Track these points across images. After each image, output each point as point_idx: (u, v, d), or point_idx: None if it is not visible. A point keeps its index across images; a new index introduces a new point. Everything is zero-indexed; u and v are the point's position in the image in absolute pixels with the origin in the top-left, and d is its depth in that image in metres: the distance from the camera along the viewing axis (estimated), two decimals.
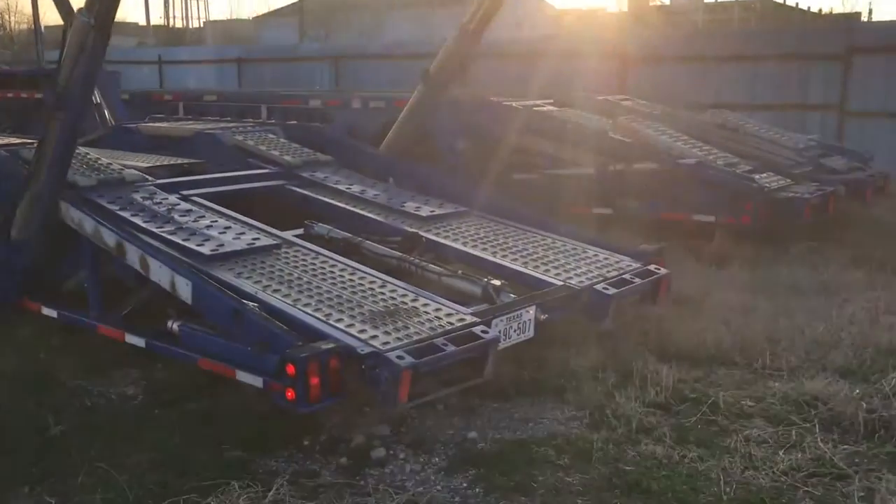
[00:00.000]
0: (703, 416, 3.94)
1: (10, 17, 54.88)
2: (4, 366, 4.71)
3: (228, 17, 65.97)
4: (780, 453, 3.57)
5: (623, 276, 4.82)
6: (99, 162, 5.49)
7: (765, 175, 7.34)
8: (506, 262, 4.95)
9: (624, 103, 9.16)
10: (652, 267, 5.01)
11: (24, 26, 54.69)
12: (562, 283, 4.66)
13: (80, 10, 4.23)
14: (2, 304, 5.21)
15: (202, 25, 71.11)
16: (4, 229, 5.03)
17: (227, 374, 3.87)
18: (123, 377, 4.66)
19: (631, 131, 7.79)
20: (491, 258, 5.01)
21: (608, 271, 4.89)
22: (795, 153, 8.33)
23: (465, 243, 5.21)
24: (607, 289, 4.60)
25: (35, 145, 5.59)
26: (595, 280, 4.71)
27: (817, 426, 3.82)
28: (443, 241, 5.25)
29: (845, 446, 3.65)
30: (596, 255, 5.14)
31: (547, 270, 4.84)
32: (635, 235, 6.74)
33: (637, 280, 4.81)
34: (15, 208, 4.97)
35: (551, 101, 8.78)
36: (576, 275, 4.78)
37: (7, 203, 5.08)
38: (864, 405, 3.94)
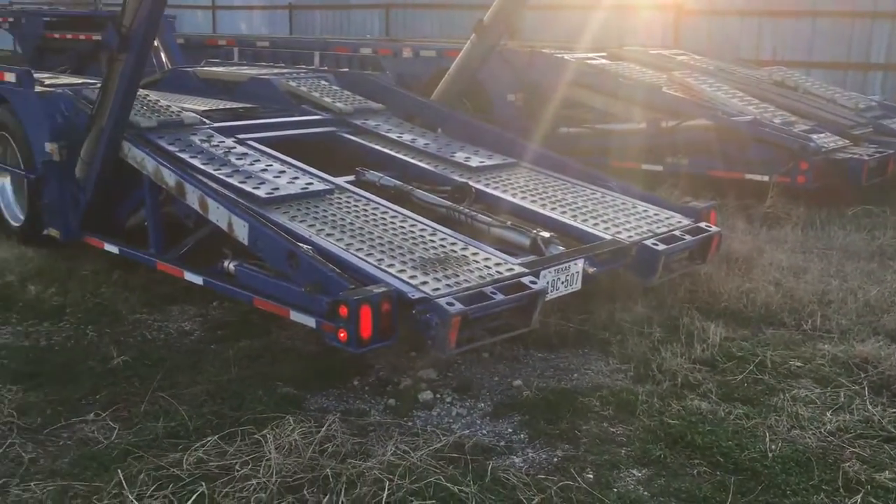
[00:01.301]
0: (750, 374, 3.95)
1: None
2: (69, 299, 4.91)
3: None
4: (828, 414, 3.57)
5: (673, 232, 4.81)
6: (159, 104, 5.59)
7: (822, 135, 7.18)
8: (554, 215, 4.95)
9: (678, 58, 8.99)
10: (703, 224, 4.98)
11: None
12: (610, 237, 4.66)
13: None
14: (66, 240, 5.40)
15: None
16: (69, 168, 5.19)
17: (281, 314, 3.98)
18: (180, 313, 4.83)
19: (685, 87, 7.66)
20: (540, 210, 5.01)
21: (658, 227, 4.88)
22: (855, 113, 8.12)
23: (514, 194, 5.22)
24: (656, 244, 4.60)
25: (96, 86, 5.75)
26: (644, 235, 4.71)
27: (866, 389, 3.81)
28: (492, 191, 5.26)
29: (894, 410, 3.64)
30: (646, 211, 5.12)
31: (596, 224, 4.84)
32: (684, 193, 6.70)
33: (687, 237, 4.79)
34: (79, 147, 5.13)
35: (604, 54, 8.66)
36: (625, 229, 4.78)
37: (71, 142, 5.25)
38: None
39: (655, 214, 5.08)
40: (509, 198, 5.16)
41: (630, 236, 4.68)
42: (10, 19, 15.03)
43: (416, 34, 15.66)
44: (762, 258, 5.54)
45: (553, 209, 5.03)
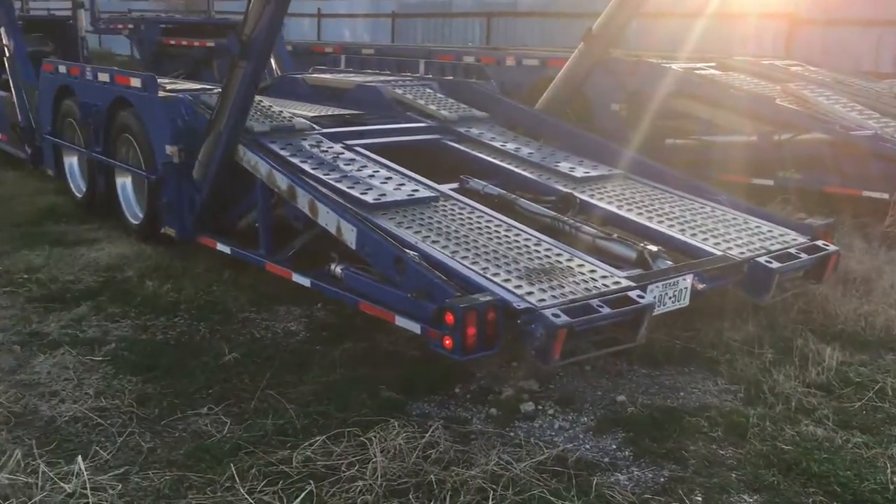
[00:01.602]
0: (869, 401, 3.77)
1: None
2: (183, 296, 5.11)
3: None
4: None
5: (788, 250, 4.63)
6: (271, 109, 5.77)
7: None
8: (661, 228, 4.85)
9: (792, 68, 8.66)
10: (819, 243, 4.79)
11: None
12: (721, 252, 4.53)
13: None
14: (181, 239, 5.63)
15: None
16: (187, 170, 5.41)
17: (387, 319, 4.04)
18: (286, 313, 4.95)
19: (800, 99, 7.38)
20: (646, 223, 4.92)
21: (771, 244, 4.71)
22: None
23: (619, 206, 5.15)
24: (770, 262, 4.44)
25: (214, 91, 5.98)
26: (757, 252, 4.55)
27: None
28: (597, 202, 5.20)
29: None
30: (758, 227, 4.95)
31: (705, 239, 4.72)
32: (797, 209, 6.44)
33: (803, 255, 4.61)
34: (197, 150, 5.34)
35: (713, 63, 8.43)
36: (736, 245, 4.64)
37: (190, 145, 5.47)
38: None
39: (769, 231, 4.91)
40: (614, 209, 5.09)
41: (741, 252, 4.54)
42: (130, 26, 15.84)
43: (517, 42, 15.65)
44: (882, 280, 5.28)
45: (660, 222, 4.93)
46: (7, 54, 8.40)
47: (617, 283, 3.98)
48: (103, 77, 6.38)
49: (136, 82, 5.93)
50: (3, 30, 8.43)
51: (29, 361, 4.14)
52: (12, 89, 8.35)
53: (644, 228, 4.87)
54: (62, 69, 7.10)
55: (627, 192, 5.39)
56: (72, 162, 7.25)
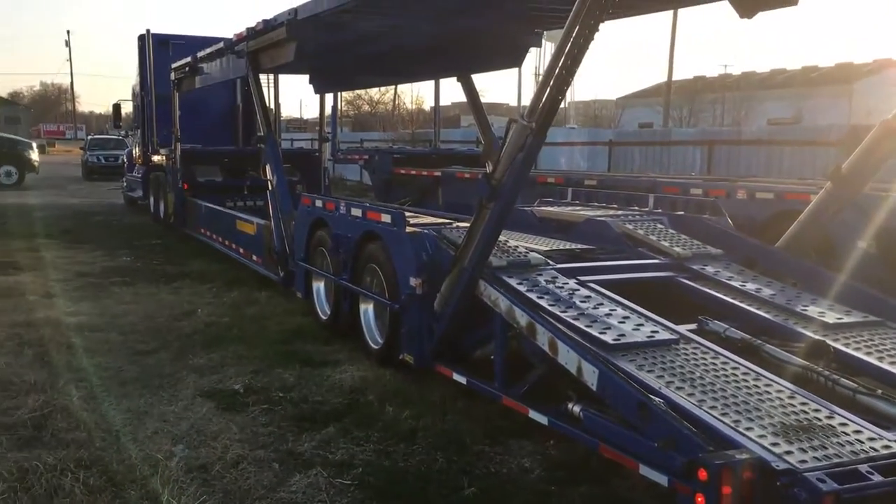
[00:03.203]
0: None
1: (409, 98, 62.77)
2: (421, 423, 5.30)
3: (593, 98, 68.88)
4: None
5: None
6: (508, 244, 6.00)
7: None
8: None
9: None
10: None
11: (415, 107, 62.45)
12: None
13: (521, 114, 4.73)
14: (419, 366, 5.90)
15: (567, 105, 75.03)
16: (428, 300, 5.72)
17: (630, 466, 3.95)
18: (519, 448, 4.98)
19: None
20: None
21: None
22: None
23: (880, 358, 4.76)
24: None
25: (454, 226, 6.35)
26: None
27: None
28: (853, 352, 4.84)
29: None
30: None
31: None
32: None
33: None
34: (438, 283, 5.64)
35: None
36: None
37: (431, 277, 5.80)
38: None
39: None
40: (875, 361, 4.71)
41: None
42: (366, 157, 17.30)
43: (739, 170, 15.33)
44: None
45: None
46: (270, 187, 9.46)
47: (887, 447, 3.64)
48: (356, 212, 6.99)
49: (385, 218, 6.42)
50: (269, 166, 9.53)
51: (286, 480, 4.44)
52: (271, 218, 9.34)
53: None
54: (318, 203, 7.86)
55: (888, 343, 4.98)
56: (319, 286, 7.91)
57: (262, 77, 10.46)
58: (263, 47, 9.25)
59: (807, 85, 47.51)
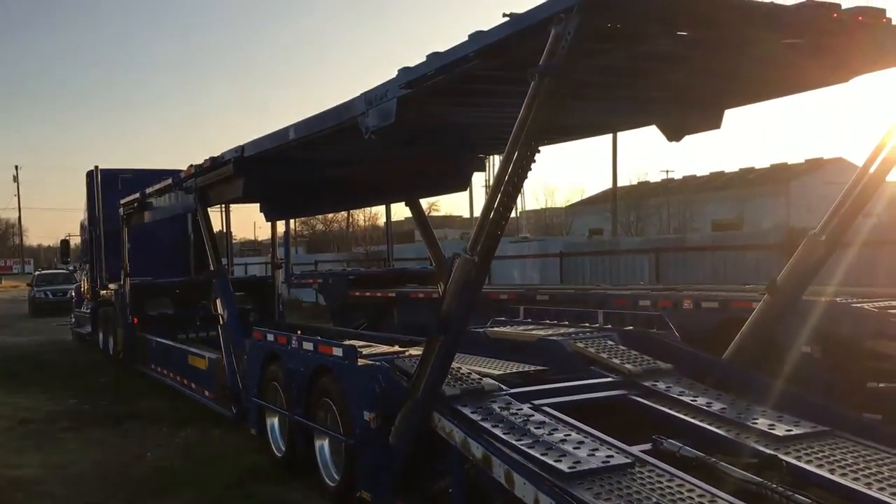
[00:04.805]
0: None
1: (363, 214, 63.54)
2: None
3: (542, 207, 70.56)
4: None
5: None
6: (461, 371, 6.01)
7: None
8: (884, 497, 4.45)
9: None
10: None
11: (369, 224, 63.19)
12: None
13: (464, 248, 4.86)
14: (377, 503, 5.77)
15: (518, 215, 76.64)
16: (385, 434, 5.65)
17: None
18: None
19: None
20: (865, 490, 4.54)
21: None
22: None
23: (831, 470, 4.80)
24: None
25: (406, 355, 6.35)
26: None
27: None
28: (805, 465, 4.89)
29: None
30: None
31: None
32: None
33: None
34: (392, 416, 5.60)
35: None
36: None
37: (386, 410, 5.75)
38: None
39: None
40: (827, 474, 4.75)
41: None
42: (320, 280, 17.30)
43: (687, 277, 15.67)
44: None
45: (881, 489, 4.53)
46: (221, 321, 9.39)
47: None
48: (307, 346, 6.96)
49: (337, 352, 6.41)
50: (219, 300, 9.49)
51: None
52: (223, 352, 9.23)
53: (863, 497, 4.49)
54: (270, 337, 7.82)
55: (837, 453, 5.05)
56: (274, 422, 7.76)
57: None
58: (211, 183, 9.40)
59: (745, 186, 49.47)
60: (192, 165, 9.91)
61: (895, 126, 5.70)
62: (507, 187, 4.54)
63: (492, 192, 4.66)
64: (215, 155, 9.21)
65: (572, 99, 5.59)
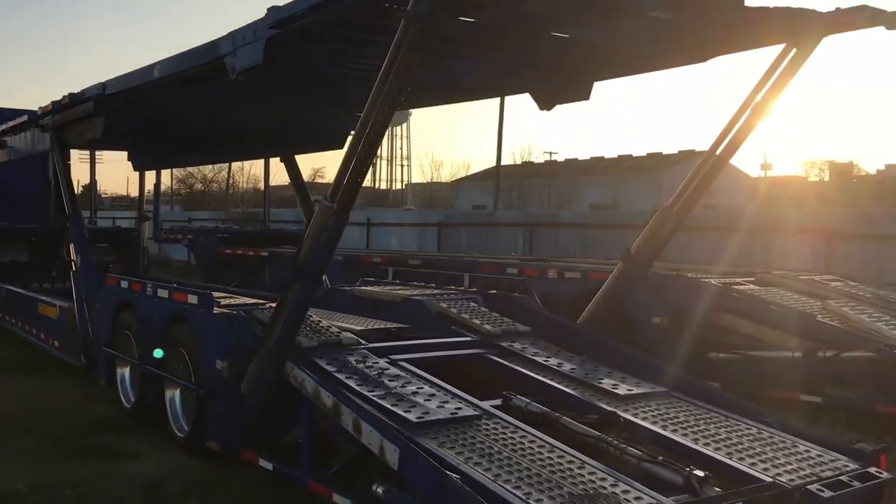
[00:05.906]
0: None
1: (244, 177, 61.83)
2: None
3: (429, 181, 70.77)
4: None
5: (839, 477, 4.48)
6: (320, 324, 5.97)
7: None
8: (708, 451, 4.76)
9: (832, 284, 8.76)
10: (872, 470, 4.63)
11: (251, 186, 61.60)
12: (771, 479, 4.40)
13: (325, 195, 4.80)
14: (226, 453, 5.67)
15: (404, 188, 76.60)
16: (237, 384, 5.55)
17: None
18: None
19: (842, 316, 7.40)
20: (692, 445, 4.84)
21: (822, 470, 4.57)
22: None
23: (664, 427, 5.09)
24: (822, 490, 4.29)
25: (267, 306, 6.24)
26: (808, 479, 4.41)
27: None
28: (640, 422, 5.16)
29: None
30: (808, 451, 4.83)
31: (754, 464, 4.60)
32: (848, 429, 6.28)
33: (856, 483, 4.44)
34: (246, 365, 5.50)
35: (752, 278, 8.58)
36: (786, 472, 4.50)
37: (240, 360, 5.65)
38: None
39: (818, 456, 4.77)
40: (659, 430, 5.03)
41: (792, 480, 4.40)
42: (190, 236, 16.77)
43: (559, 252, 16.16)
44: None
45: (706, 444, 4.84)
46: (74, 268, 8.94)
47: None
48: (162, 293, 6.73)
49: (192, 299, 6.23)
50: (73, 245, 9.02)
51: None
52: (74, 300, 8.80)
53: (690, 451, 4.78)
54: (124, 284, 7.51)
55: (672, 412, 5.34)
56: (124, 373, 7.47)
57: (82, 152, 9.99)
58: (70, 122, 8.88)
59: (622, 172, 51.38)
60: (52, 102, 9.33)
61: (740, 109, 6.03)
62: (370, 135, 4.51)
63: (354, 139, 4.62)
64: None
65: (442, 56, 5.60)
